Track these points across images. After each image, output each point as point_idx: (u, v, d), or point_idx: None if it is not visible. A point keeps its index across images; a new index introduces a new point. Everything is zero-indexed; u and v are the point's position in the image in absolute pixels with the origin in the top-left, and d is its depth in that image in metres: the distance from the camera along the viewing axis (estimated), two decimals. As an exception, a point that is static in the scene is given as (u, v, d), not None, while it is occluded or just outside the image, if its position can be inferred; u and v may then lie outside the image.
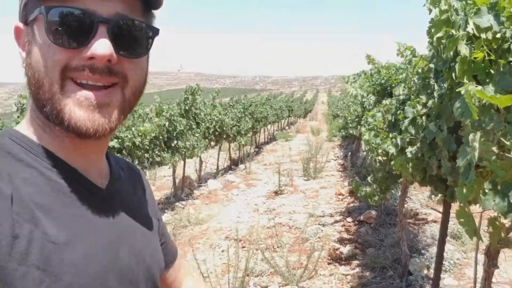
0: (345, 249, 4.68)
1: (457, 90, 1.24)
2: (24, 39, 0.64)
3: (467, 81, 1.53)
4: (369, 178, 4.33)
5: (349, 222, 5.64)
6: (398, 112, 3.81)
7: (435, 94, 2.52)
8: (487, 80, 1.51)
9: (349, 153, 9.02)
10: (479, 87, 1.22)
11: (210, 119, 9.51)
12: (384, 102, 4.42)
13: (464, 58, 1.53)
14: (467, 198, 1.18)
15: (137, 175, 0.85)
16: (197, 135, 8.25)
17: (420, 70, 3.00)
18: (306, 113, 43.32)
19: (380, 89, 4.77)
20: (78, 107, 0.60)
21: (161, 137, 6.62)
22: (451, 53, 2.01)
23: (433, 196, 2.81)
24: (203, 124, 8.95)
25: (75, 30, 0.59)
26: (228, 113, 10.97)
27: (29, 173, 0.59)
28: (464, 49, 1.52)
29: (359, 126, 9.20)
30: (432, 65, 2.78)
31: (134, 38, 0.64)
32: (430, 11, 1.58)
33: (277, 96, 32.38)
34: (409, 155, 2.68)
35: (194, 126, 8.24)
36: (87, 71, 0.60)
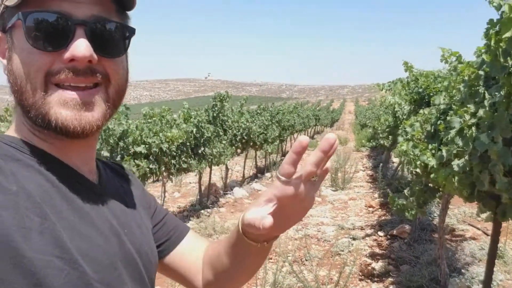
0: (378, 265, 4.46)
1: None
2: (3, 46, 0.65)
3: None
4: (405, 191, 4.11)
5: (381, 236, 5.39)
6: (439, 122, 3.60)
7: (486, 103, 2.32)
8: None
9: (380, 164, 8.73)
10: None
11: (237, 126, 9.43)
12: (421, 111, 4.21)
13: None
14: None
15: (120, 171, 0.87)
16: (224, 142, 8.18)
17: (466, 78, 2.80)
18: (332, 122, 42.83)
19: (417, 97, 4.55)
20: (64, 107, 0.61)
21: (188, 144, 6.57)
22: (509, 59, 1.83)
23: (480, 213, 2.59)
24: (230, 131, 8.87)
25: (53, 34, 0.60)
26: (255, 121, 10.87)
27: (28, 172, 0.61)
28: (536, 51, 1.34)
29: (390, 136, 8.92)
30: (481, 72, 2.58)
31: (111, 38, 0.65)
32: (499, 7, 1.41)
33: (304, 105, 32.12)
34: (455, 168, 2.48)
35: (221, 133, 8.17)
36: (70, 74, 0.61)
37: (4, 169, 0.59)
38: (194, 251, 0.89)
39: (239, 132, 9.58)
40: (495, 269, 3.97)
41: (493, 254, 2.52)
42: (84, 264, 0.59)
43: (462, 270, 3.90)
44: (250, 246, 0.72)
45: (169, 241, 0.87)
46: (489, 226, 4.33)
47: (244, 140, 9.99)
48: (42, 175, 0.62)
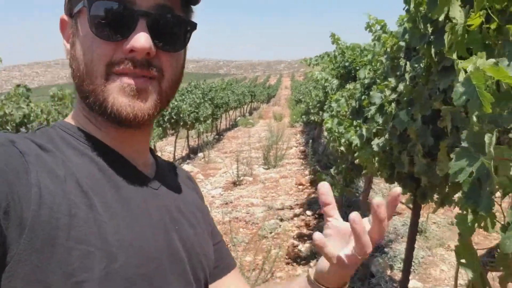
0: (304, 247, 4.33)
1: (459, 66, 0.82)
2: (68, 31, 0.66)
3: (456, 57, 1.13)
4: (332, 170, 3.97)
5: (309, 216, 5.29)
6: (363, 97, 3.45)
7: (407, 76, 2.14)
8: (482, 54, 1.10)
9: (310, 140, 8.69)
10: (488, 62, 0.80)
11: (164, 104, 8.90)
12: (347, 86, 4.06)
13: (457, 25, 1.12)
14: (473, 232, 0.78)
15: (177, 171, 0.83)
16: (149, 122, 7.64)
17: (389, 49, 2.61)
18: (269, 98, 43.01)
19: (344, 72, 4.39)
20: (122, 94, 0.61)
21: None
22: (428, 26, 1.62)
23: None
24: (156, 110, 8.33)
25: (116, 23, 0.60)
26: (185, 99, 10.36)
27: (81, 160, 0.61)
28: (458, 13, 1.11)
29: (321, 112, 8.89)
30: (402, 43, 2.40)
31: (172, 32, 0.64)
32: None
33: (240, 81, 31.73)
34: (375, 148, 2.29)
35: (145, 112, 7.61)
36: (128, 64, 0.61)
37: (56, 155, 0.58)
38: None
39: (167, 112, 9.06)
40: (416, 245, 3.99)
41: (413, 236, 2.40)
42: (126, 256, 0.57)
43: (385, 249, 3.86)
44: None
45: (215, 269, 0.80)
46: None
47: (173, 120, 9.49)
48: (95, 163, 0.62)
